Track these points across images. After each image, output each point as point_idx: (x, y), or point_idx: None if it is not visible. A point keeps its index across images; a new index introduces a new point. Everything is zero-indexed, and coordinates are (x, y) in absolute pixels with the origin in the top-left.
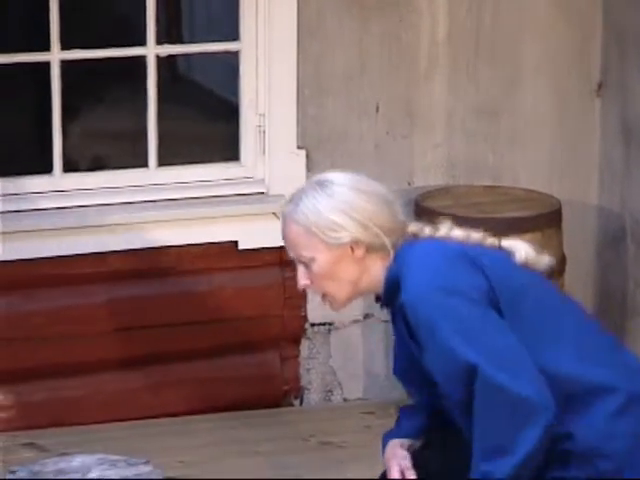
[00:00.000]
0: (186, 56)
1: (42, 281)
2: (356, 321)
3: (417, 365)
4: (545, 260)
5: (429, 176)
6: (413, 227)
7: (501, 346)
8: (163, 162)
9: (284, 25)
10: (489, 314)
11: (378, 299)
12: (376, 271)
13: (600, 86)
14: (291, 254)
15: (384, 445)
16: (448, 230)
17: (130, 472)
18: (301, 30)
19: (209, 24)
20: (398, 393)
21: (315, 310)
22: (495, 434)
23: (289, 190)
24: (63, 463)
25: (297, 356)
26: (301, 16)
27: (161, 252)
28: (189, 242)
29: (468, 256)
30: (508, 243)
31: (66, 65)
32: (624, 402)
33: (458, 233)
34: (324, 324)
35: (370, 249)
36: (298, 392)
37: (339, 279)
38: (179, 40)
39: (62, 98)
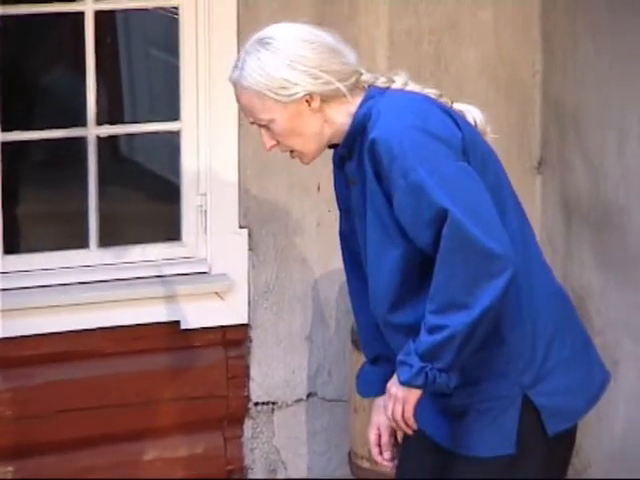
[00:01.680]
0: (127, 136)
1: None
2: (299, 400)
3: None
4: (490, 132)
5: None
6: (367, 76)
7: (474, 197)
8: (104, 243)
9: (225, 104)
10: (464, 164)
11: (333, 146)
12: (338, 118)
13: (540, 163)
14: (249, 120)
15: (364, 383)
16: (404, 82)
17: None
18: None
19: (150, 104)
20: (342, 472)
21: (258, 389)
22: (453, 287)
23: (231, 269)
24: None
25: (241, 436)
26: None
27: (104, 333)
28: (131, 322)
29: (441, 107)
30: (460, 105)
31: (6, 147)
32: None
33: (414, 86)
34: (267, 403)
35: (326, 98)
36: (242, 472)
37: (303, 134)
38: (120, 120)
39: (2, 180)
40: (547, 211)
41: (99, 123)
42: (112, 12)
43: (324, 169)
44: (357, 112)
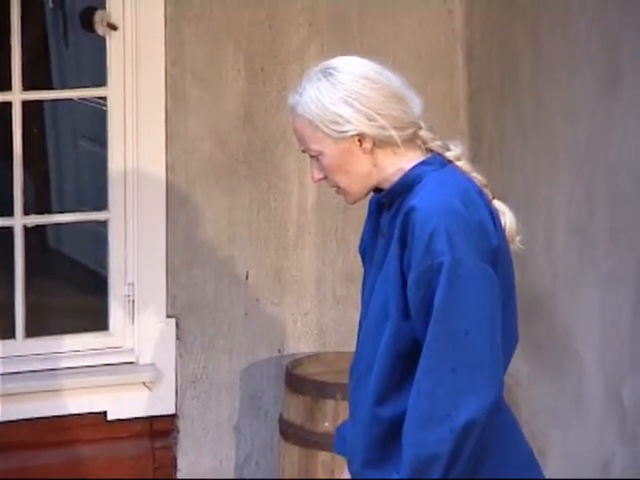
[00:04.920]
0: (55, 226)
1: None
2: None
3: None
4: (518, 242)
5: (300, 343)
6: (425, 133)
7: (485, 305)
8: (31, 333)
9: (153, 194)
10: (489, 268)
11: (377, 190)
12: (389, 167)
13: None
14: (302, 148)
15: (341, 439)
16: (457, 155)
17: None
18: (170, 199)
19: (78, 194)
20: None
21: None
22: (436, 398)
23: (159, 359)
24: None
25: None
26: (170, 185)
27: (29, 424)
28: (57, 413)
29: (487, 203)
30: (498, 204)
31: None
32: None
33: (465, 163)
34: None
35: (378, 142)
36: None
37: (350, 172)
38: (47, 210)
39: None
40: None
41: (26, 213)
42: (40, 102)
43: (253, 258)
44: (410, 170)
